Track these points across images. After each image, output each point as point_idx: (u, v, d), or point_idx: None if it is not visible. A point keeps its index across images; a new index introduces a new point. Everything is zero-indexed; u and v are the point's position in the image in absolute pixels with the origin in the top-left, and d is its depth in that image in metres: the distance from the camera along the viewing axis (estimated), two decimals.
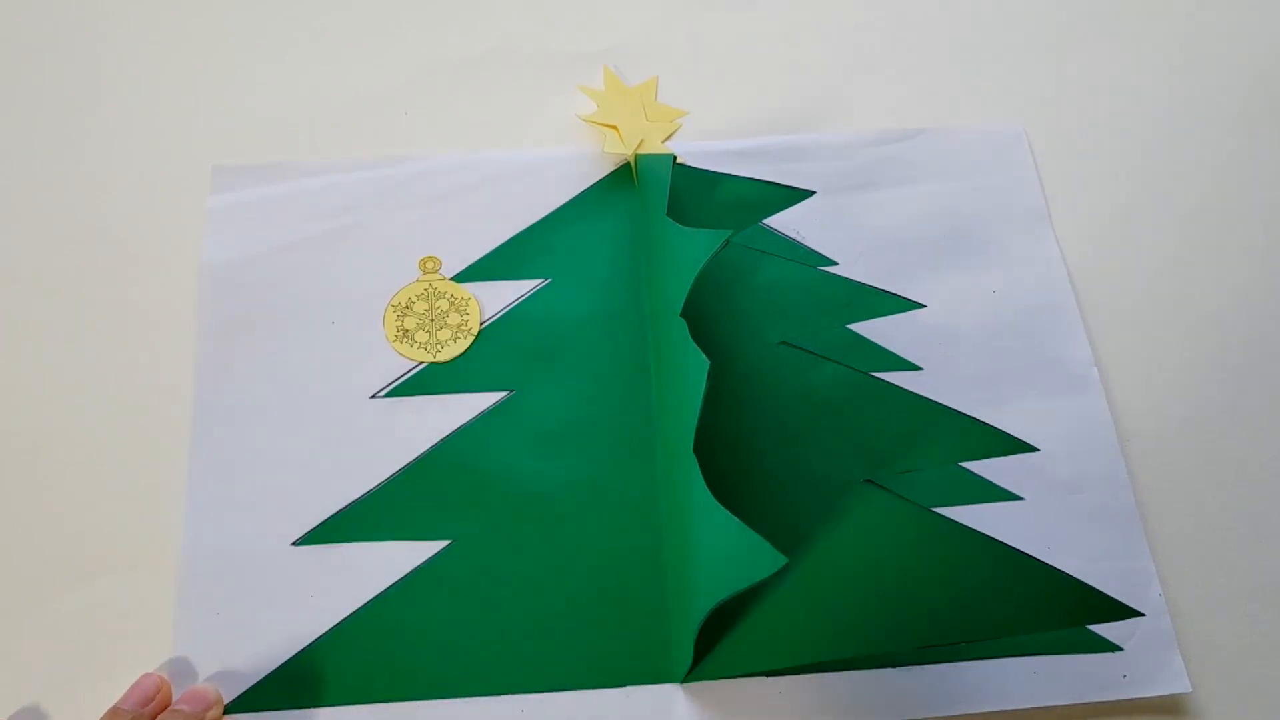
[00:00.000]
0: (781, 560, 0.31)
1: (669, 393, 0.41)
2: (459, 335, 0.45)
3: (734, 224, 0.46)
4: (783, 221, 0.48)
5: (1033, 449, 0.39)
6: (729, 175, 0.48)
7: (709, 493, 0.35)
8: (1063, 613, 0.39)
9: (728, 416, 0.41)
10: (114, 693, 0.37)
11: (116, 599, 0.39)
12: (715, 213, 0.47)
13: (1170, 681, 0.39)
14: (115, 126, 0.50)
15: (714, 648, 0.38)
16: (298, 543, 0.41)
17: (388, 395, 0.44)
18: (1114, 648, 0.40)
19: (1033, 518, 0.42)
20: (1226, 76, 0.54)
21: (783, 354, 0.42)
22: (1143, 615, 0.38)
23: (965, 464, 0.43)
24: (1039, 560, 0.38)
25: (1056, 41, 0.55)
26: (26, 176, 0.49)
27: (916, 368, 0.45)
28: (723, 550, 0.35)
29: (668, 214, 0.43)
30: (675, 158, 0.47)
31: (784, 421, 0.41)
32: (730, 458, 0.41)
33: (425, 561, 0.40)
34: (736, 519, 0.34)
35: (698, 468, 0.35)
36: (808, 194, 0.44)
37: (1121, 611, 0.38)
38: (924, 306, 0.44)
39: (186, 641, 0.39)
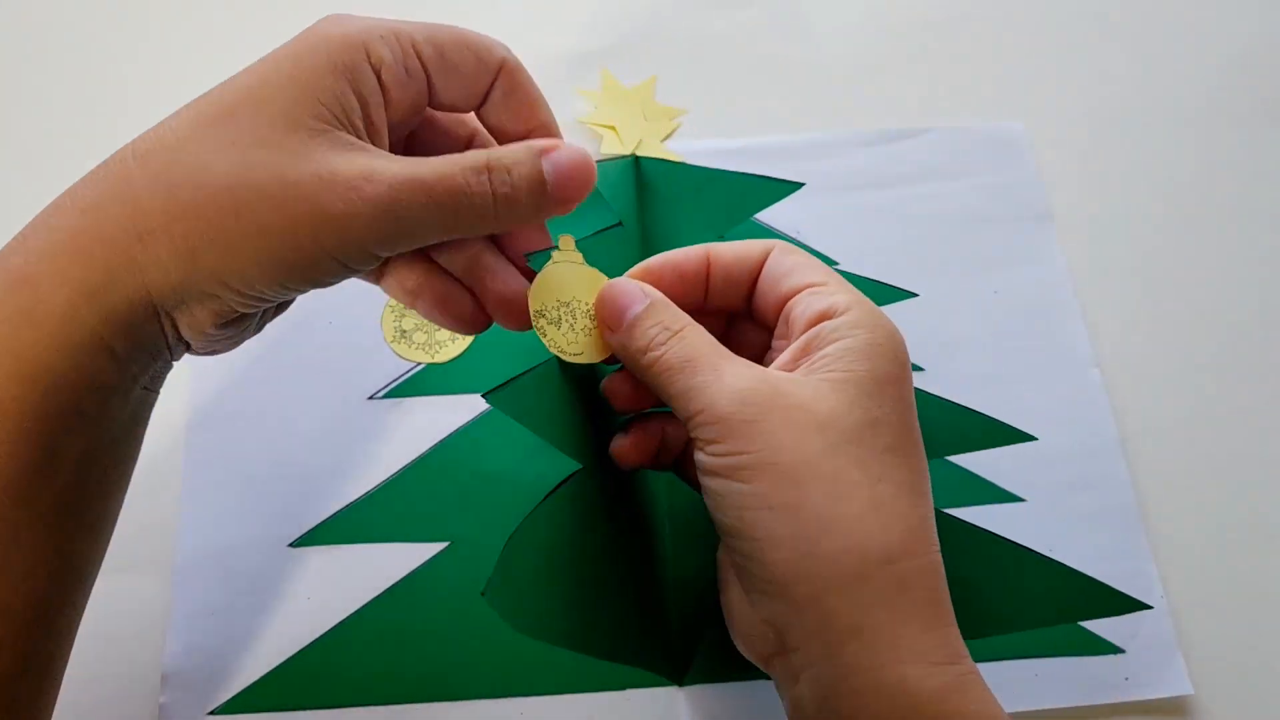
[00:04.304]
0: None
1: None
2: (457, 336, 0.45)
3: (726, 218, 0.46)
4: (783, 222, 0.48)
5: (1031, 438, 0.39)
6: (718, 170, 0.48)
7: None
8: (1068, 607, 0.39)
9: None
10: (106, 693, 0.37)
11: (111, 599, 0.39)
12: (707, 208, 0.47)
13: (1172, 683, 0.39)
14: (116, 126, 0.50)
15: (715, 650, 0.38)
16: (294, 544, 0.41)
17: (385, 396, 0.44)
18: (1116, 649, 0.40)
19: (1034, 519, 0.42)
20: (1230, 76, 0.53)
21: None
22: (1150, 607, 0.37)
23: (967, 465, 0.43)
24: (1042, 555, 0.38)
25: (1058, 40, 0.54)
26: (26, 177, 0.49)
27: (918, 368, 0.45)
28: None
29: (661, 210, 0.43)
30: (636, 158, 0.47)
31: None
32: None
33: (423, 563, 0.40)
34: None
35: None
36: (797, 186, 0.44)
37: (1128, 604, 0.38)
38: (916, 296, 0.44)
39: (181, 642, 0.39)
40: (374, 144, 0.29)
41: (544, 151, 0.30)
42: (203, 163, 0.26)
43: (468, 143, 0.34)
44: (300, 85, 0.28)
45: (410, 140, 0.33)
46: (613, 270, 0.44)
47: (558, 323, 0.34)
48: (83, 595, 0.30)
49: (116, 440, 0.29)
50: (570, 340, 0.34)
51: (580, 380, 0.37)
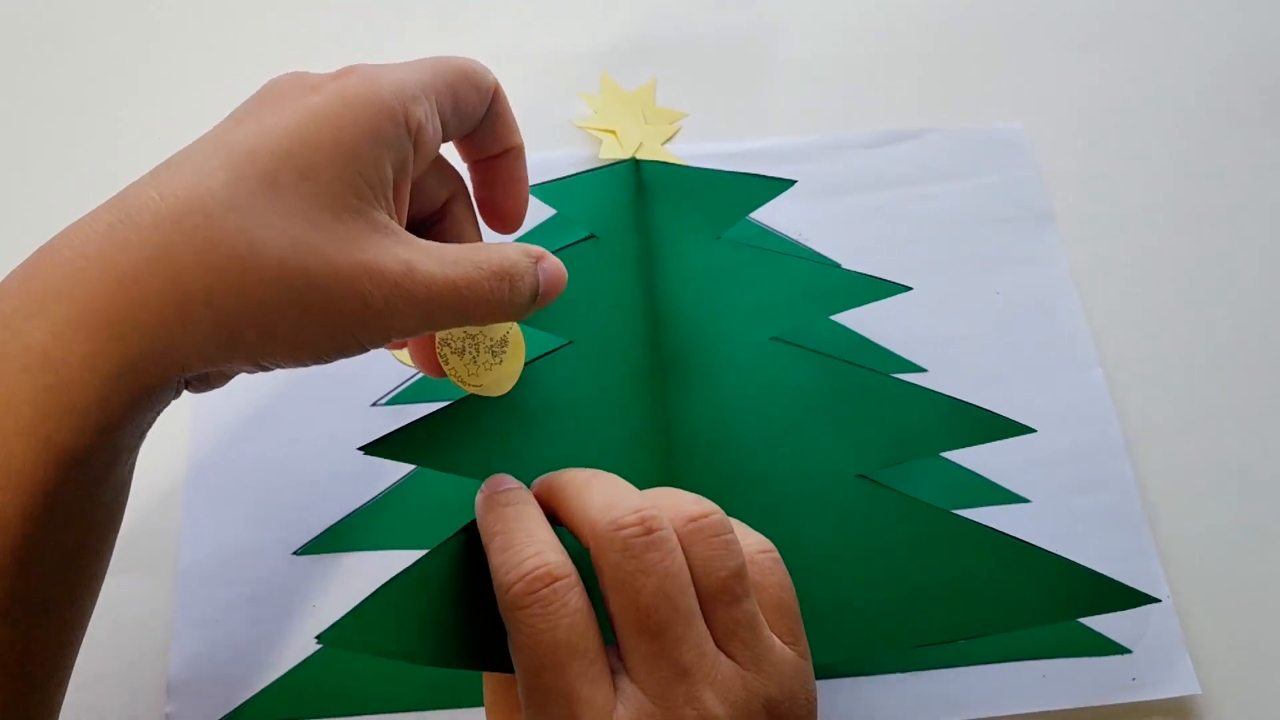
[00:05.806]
0: None
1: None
2: None
3: (723, 218, 0.46)
4: (784, 223, 0.48)
5: (1030, 430, 0.39)
6: (711, 170, 0.48)
7: None
8: (1075, 602, 0.39)
9: (720, 415, 0.41)
10: (111, 704, 0.37)
11: (115, 609, 0.39)
12: (703, 208, 0.47)
13: (1180, 683, 0.39)
14: (117, 127, 0.50)
15: None
16: (298, 552, 0.40)
17: (389, 403, 0.43)
18: (1123, 650, 0.40)
19: (1039, 520, 0.42)
20: (1229, 76, 0.53)
21: (774, 349, 0.42)
22: (1159, 600, 0.37)
23: (970, 467, 0.43)
24: (1047, 551, 0.37)
25: (1058, 40, 0.54)
26: (28, 178, 0.49)
27: (920, 369, 0.45)
28: None
29: (660, 211, 0.43)
30: (636, 161, 0.47)
31: (775, 417, 0.41)
32: (722, 456, 0.40)
33: None
34: None
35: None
36: (789, 183, 0.44)
37: (1135, 598, 0.38)
38: (910, 289, 0.43)
39: (186, 651, 0.39)
40: (399, 212, 0.30)
41: (538, 259, 0.31)
42: (251, 239, 0.26)
43: (448, 200, 0.35)
44: (343, 158, 0.27)
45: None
46: (590, 282, 0.44)
47: (461, 352, 0.34)
48: (81, 635, 0.30)
49: (119, 491, 0.29)
50: (470, 372, 0.34)
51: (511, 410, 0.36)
